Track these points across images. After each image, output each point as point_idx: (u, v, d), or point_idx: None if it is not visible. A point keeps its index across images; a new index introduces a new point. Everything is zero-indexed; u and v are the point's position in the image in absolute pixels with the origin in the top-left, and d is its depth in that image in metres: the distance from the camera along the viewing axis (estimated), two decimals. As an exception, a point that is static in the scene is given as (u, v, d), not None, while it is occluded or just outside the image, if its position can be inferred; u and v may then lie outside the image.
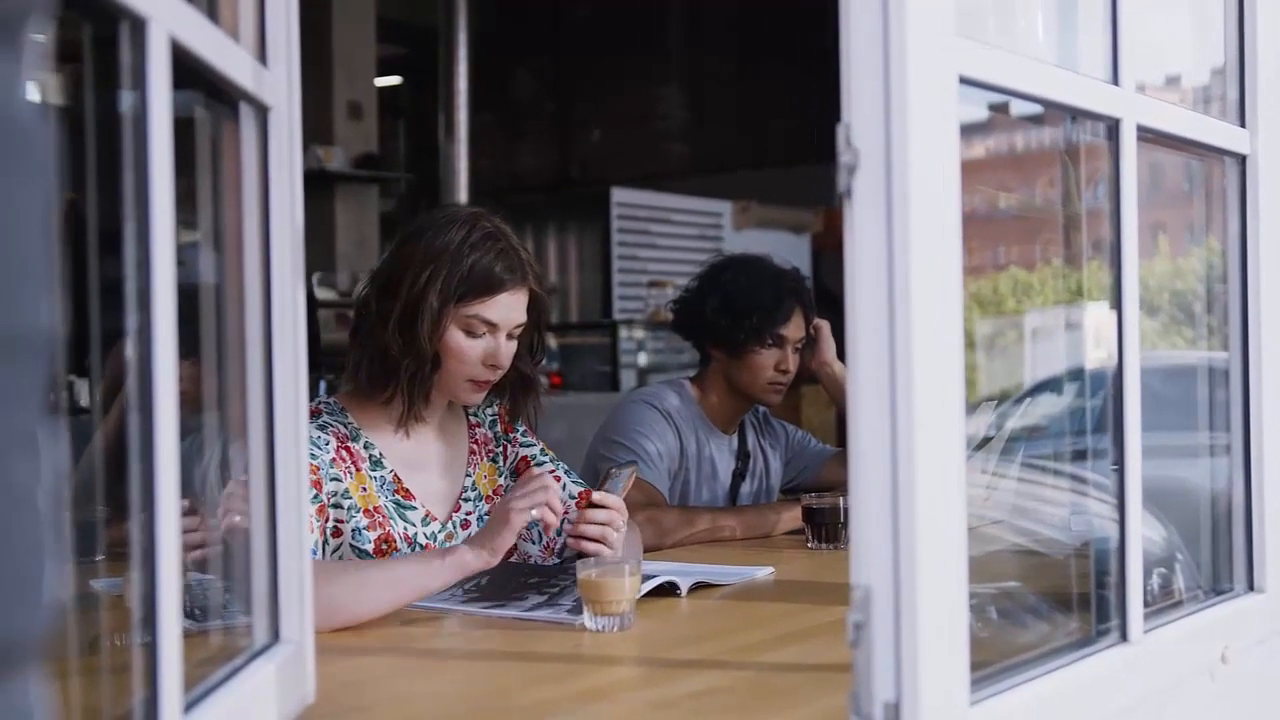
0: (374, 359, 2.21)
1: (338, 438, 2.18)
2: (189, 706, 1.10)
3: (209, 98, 1.30)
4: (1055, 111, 1.61)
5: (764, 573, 2.35)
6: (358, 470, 2.19)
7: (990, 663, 1.33)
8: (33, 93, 0.60)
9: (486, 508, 2.34)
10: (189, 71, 1.12)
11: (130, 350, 1.03)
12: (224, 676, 1.24)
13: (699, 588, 2.18)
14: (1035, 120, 1.76)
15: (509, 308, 2.22)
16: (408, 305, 2.17)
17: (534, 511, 1.98)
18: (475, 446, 2.39)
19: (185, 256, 1.11)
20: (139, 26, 1.00)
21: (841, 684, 1.23)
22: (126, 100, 1.02)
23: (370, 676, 1.69)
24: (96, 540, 1.36)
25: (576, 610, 1.90)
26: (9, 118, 0.57)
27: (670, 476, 2.97)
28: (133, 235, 1.02)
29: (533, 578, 2.13)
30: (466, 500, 2.34)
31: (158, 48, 1.01)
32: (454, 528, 2.29)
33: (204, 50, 1.14)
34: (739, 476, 3.14)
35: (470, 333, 2.20)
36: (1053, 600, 1.74)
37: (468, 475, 2.35)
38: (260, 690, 1.28)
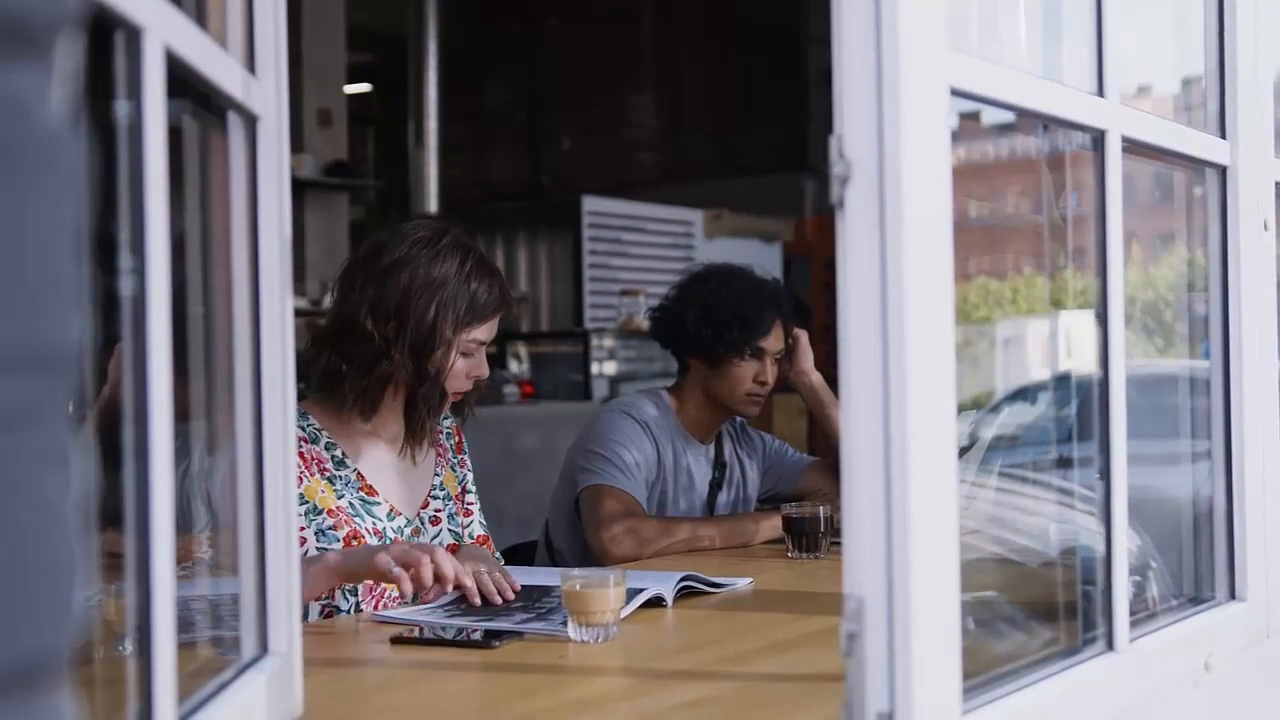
0: (378, 383, 2.27)
1: None
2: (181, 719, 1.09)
3: (197, 107, 1.29)
4: (1027, 121, 1.62)
5: (744, 583, 2.35)
6: (313, 475, 2.25)
7: (981, 672, 1.33)
8: (61, 106, 0.60)
9: (454, 506, 2.45)
10: (178, 80, 1.12)
11: (123, 358, 1.03)
12: (214, 690, 1.23)
13: (684, 595, 2.18)
14: (1005, 129, 1.77)
15: (496, 326, 2.36)
16: (418, 337, 2.25)
17: (395, 570, 1.96)
18: (441, 450, 2.48)
19: (172, 265, 1.10)
20: (134, 36, 0.99)
21: (829, 694, 1.23)
22: (121, 108, 1.02)
23: (358, 689, 1.69)
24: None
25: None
26: (39, 131, 0.57)
27: (648, 486, 2.96)
28: (126, 243, 1.02)
29: (517, 600, 2.12)
30: (436, 498, 2.42)
31: (153, 57, 1.01)
32: (422, 523, 2.38)
33: (196, 60, 1.13)
34: (716, 486, 3.14)
35: (466, 354, 2.32)
36: (1035, 610, 1.75)
37: (436, 475, 2.44)
38: (250, 703, 1.27)
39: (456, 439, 2.54)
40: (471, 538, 2.42)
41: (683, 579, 2.19)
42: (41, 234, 0.56)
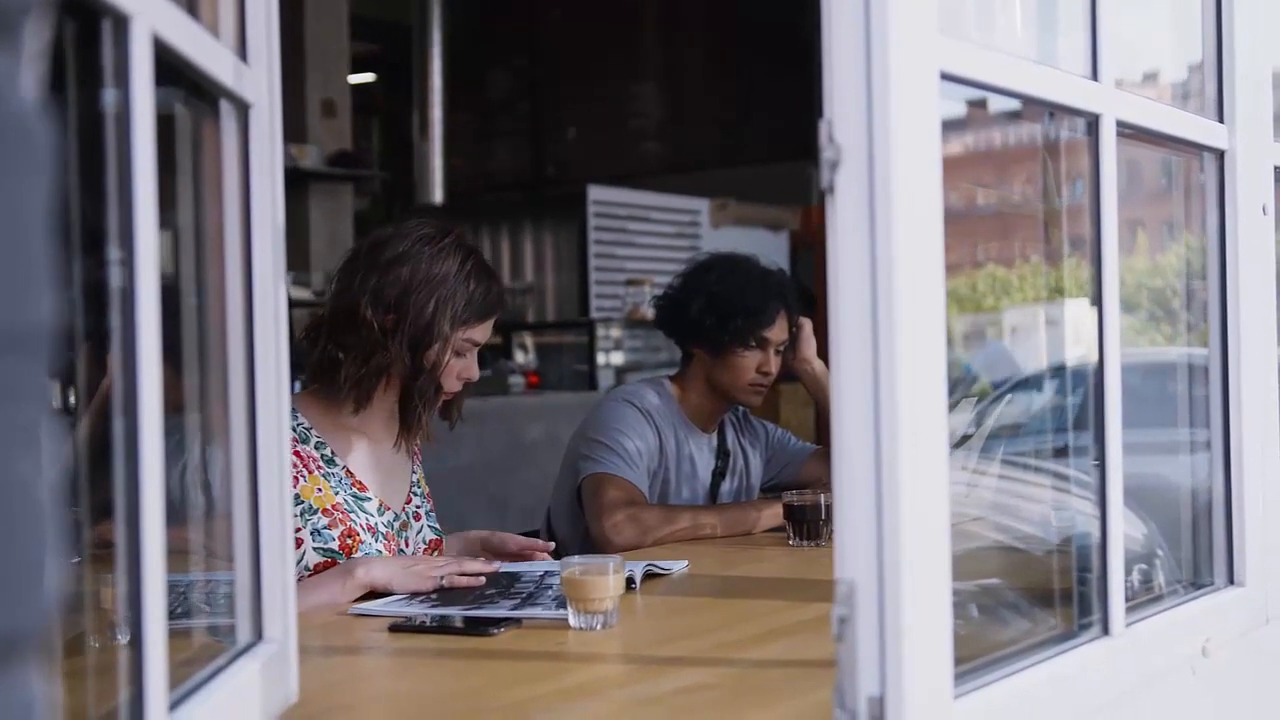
0: (373, 374, 2.29)
1: None
2: (173, 705, 1.10)
3: (189, 95, 1.29)
4: (1034, 108, 1.61)
5: (679, 566, 2.38)
6: (310, 472, 2.27)
7: (974, 657, 1.33)
8: (31, 89, 0.60)
9: (429, 505, 2.50)
10: (169, 68, 1.12)
11: (113, 351, 1.03)
12: (208, 675, 1.23)
13: (683, 580, 2.21)
14: (1013, 116, 1.76)
15: (490, 329, 2.39)
16: (416, 330, 2.27)
17: (444, 581, 2.14)
18: (417, 449, 2.51)
19: (162, 256, 1.10)
20: (121, 23, 0.99)
21: (825, 679, 1.23)
22: (108, 97, 1.02)
23: (353, 676, 1.69)
24: (76, 542, 1.35)
25: (561, 605, 1.90)
26: (9, 115, 0.57)
27: (650, 475, 2.96)
28: (115, 234, 1.02)
29: (489, 589, 2.13)
30: (416, 494, 2.47)
31: (140, 45, 1.01)
32: (408, 517, 2.42)
33: (186, 47, 1.13)
34: (719, 475, 3.14)
35: (458, 353, 2.34)
36: (1035, 595, 1.75)
37: (414, 472, 2.49)
38: (244, 689, 1.28)
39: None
40: (425, 542, 2.44)
41: (645, 573, 2.23)
42: (11, 217, 0.57)
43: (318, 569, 2.21)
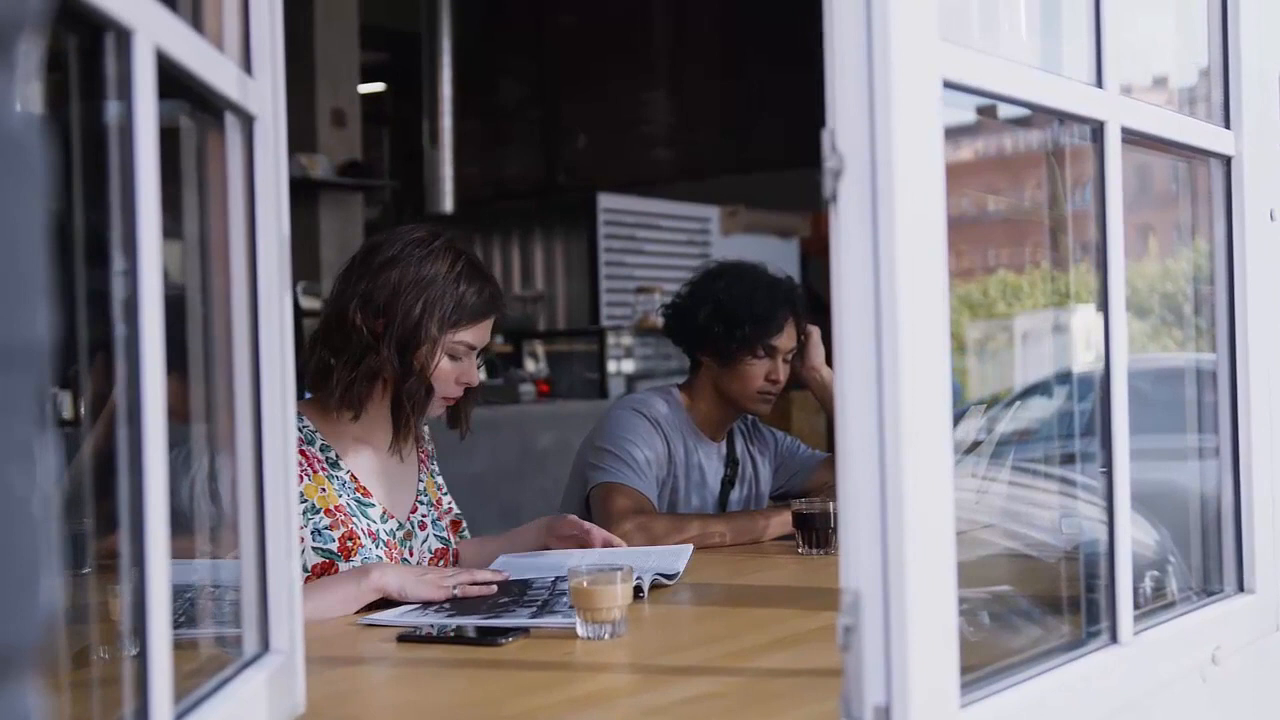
0: (364, 379, 2.29)
1: None
2: (179, 717, 1.10)
3: (194, 107, 1.29)
4: (1042, 114, 1.61)
5: (685, 550, 2.43)
6: (315, 473, 2.28)
7: (981, 665, 1.33)
8: (26, 104, 0.60)
9: (436, 513, 2.48)
10: (173, 81, 1.12)
11: (118, 362, 1.03)
12: (214, 687, 1.23)
13: (655, 587, 2.22)
14: (1023, 123, 1.76)
15: (487, 332, 2.38)
16: (404, 332, 2.27)
17: (456, 591, 2.13)
18: (424, 456, 2.51)
19: (169, 267, 1.10)
20: (124, 37, 1.00)
21: (833, 689, 1.23)
22: (112, 110, 1.02)
23: (360, 687, 1.69)
24: (84, 552, 1.35)
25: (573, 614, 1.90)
26: (3, 130, 0.57)
27: (659, 484, 2.96)
28: (119, 245, 1.02)
29: (502, 598, 2.12)
30: (421, 503, 2.46)
31: (143, 58, 1.01)
32: (412, 526, 2.42)
33: (189, 60, 1.14)
34: (728, 483, 3.14)
35: (453, 356, 2.33)
36: (1043, 602, 1.74)
37: (420, 481, 2.48)
38: (250, 700, 1.28)
39: (432, 446, 2.58)
40: (430, 552, 2.45)
41: (653, 582, 2.23)
42: (6, 232, 0.57)
43: (316, 570, 2.21)
